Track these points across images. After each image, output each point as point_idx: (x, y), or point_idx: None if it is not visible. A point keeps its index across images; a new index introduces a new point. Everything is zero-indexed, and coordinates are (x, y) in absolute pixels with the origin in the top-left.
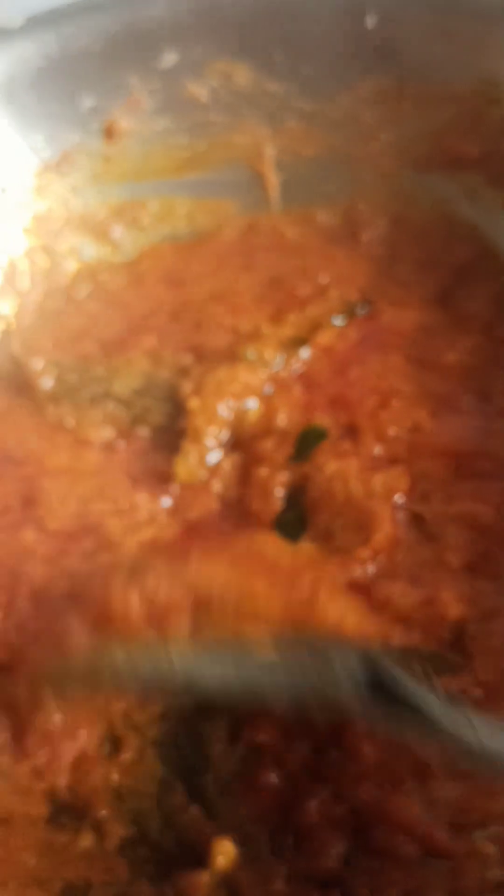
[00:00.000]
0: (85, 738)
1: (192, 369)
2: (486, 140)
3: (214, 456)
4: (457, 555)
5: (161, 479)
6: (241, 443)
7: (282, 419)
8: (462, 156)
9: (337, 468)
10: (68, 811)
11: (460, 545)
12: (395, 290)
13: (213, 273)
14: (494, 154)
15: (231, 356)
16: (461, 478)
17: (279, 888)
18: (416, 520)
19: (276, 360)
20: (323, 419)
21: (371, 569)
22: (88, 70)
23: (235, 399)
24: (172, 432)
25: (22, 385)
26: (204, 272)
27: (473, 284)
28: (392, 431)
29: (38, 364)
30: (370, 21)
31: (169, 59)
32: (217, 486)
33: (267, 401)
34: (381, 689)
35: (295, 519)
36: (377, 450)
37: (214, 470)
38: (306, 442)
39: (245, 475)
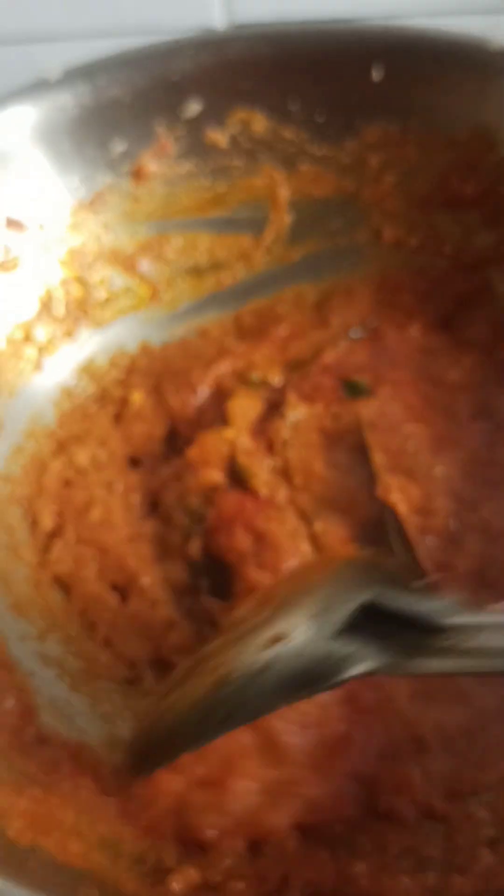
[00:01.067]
0: None
1: None
2: (482, 182)
3: None
4: (466, 560)
5: None
6: None
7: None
8: (460, 197)
9: None
10: None
11: (472, 552)
12: (398, 315)
13: None
14: (490, 195)
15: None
16: (474, 485)
17: (292, 847)
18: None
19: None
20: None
21: None
22: (119, 118)
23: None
24: None
25: None
26: None
27: (473, 311)
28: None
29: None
30: (376, 74)
31: (193, 108)
32: None
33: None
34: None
35: None
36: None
37: None
38: None
39: None
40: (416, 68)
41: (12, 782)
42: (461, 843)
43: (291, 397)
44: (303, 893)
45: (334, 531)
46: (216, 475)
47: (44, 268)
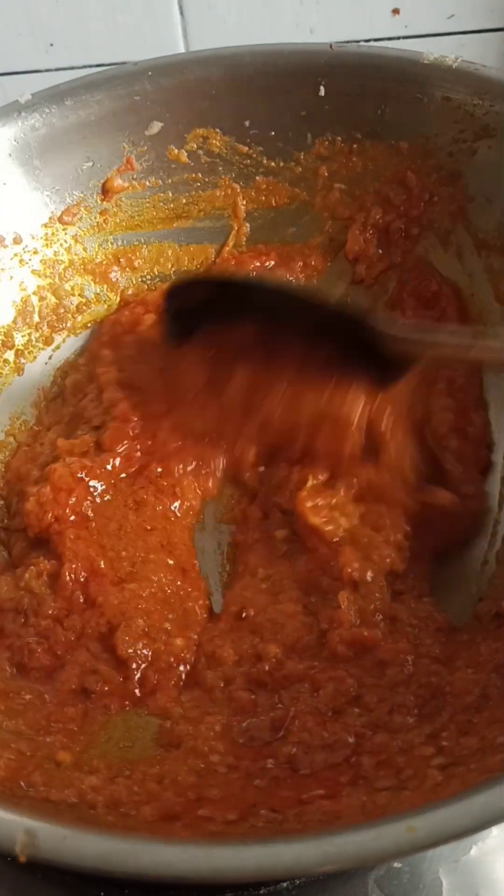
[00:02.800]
0: None
1: None
2: (424, 187)
3: None
4: None
5: None
6: None
7: None
8: (406, 201)
9: None
10: None
11: None
12: None
13: None
14: (433, 197)
15: None
16: None
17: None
18: None
19: None
20: None
21: None
22: (87, 137)
23: None
24: None
25: None
26: None
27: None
28: None
29: None
30: (322, 90)
31: (155, 127)
32: None
33: None
34: None
35: None
36: None
37: None
38: None
39: None
40: (357, 84)
41: None
42: (412, 773)
43: None
44: (266, 819)
45: None
46: None
47: (19, 278)
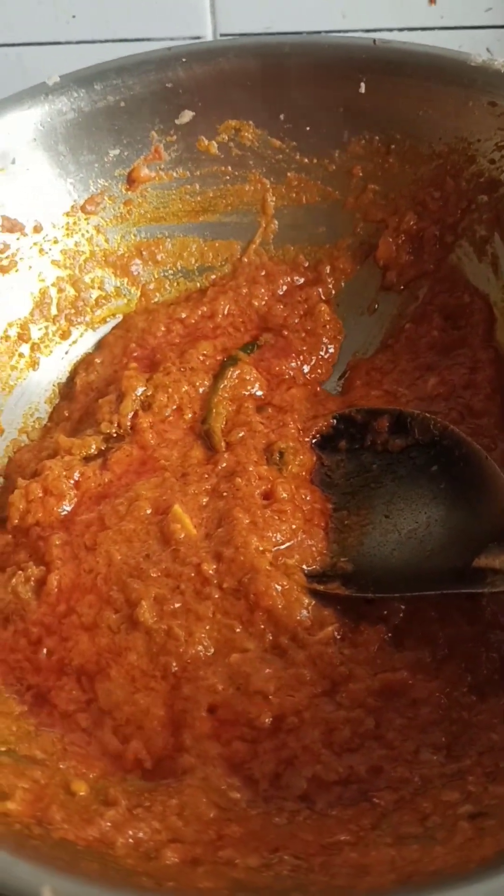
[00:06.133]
0: None
1: None
2: (462, 193)
3: None
4: None
5: None
6: None
7: None
8: (442, 207)
9: None
10: None
11: None
12: None
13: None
14: (471, 204)
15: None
16: None
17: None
18: None
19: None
20: None
21: None
22: (115, 123)
23: None
24: None
25: None
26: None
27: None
28: None
29: None
30: (363, 87)
31: (186, 115)
32: None
33: None
34: None
35: None
36: None
37: None
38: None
39: None
40: (400, 82)
41: None
42: (439, 822)
43: None
44: (291, 867)
45: None
46: None
47: (38, 268)
